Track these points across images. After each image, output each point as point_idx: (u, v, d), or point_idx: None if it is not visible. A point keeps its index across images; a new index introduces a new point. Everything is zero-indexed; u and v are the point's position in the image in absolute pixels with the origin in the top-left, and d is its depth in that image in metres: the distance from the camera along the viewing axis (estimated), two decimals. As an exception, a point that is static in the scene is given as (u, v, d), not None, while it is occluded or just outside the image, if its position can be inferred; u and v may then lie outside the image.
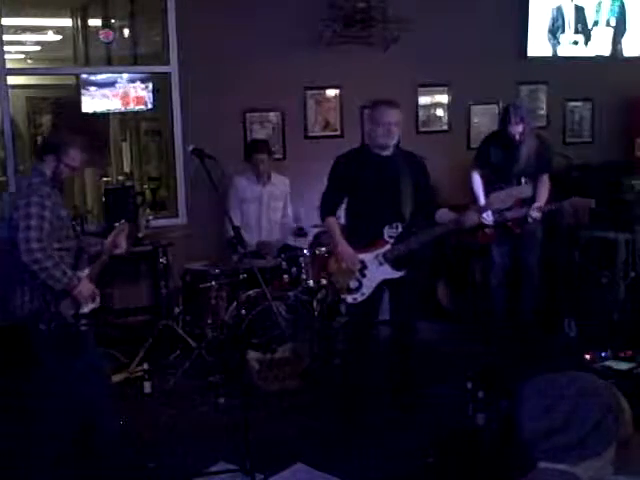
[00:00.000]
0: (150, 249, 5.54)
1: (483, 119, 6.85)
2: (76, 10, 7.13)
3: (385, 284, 4.18)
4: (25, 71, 7.43)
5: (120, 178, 7.29)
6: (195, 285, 5.19)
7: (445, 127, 6.87)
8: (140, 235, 5.16)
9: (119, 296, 5.83)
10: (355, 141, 6.08)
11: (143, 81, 6.03)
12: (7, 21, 5.95)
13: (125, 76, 6.01)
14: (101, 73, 6.07)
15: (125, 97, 6.00)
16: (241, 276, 4.90)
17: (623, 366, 4.06)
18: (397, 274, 4.12)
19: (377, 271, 4.10)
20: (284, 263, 5.14)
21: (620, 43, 7.35)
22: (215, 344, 5.03)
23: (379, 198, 4.05)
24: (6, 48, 5.72)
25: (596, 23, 7.24)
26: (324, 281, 5.08)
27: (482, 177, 5.40)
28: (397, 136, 4.06)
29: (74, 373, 3.37)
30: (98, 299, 3.50)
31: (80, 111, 5.94)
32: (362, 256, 4.09)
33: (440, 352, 5.29)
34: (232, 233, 3.81)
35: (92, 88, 5.92)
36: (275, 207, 5.67)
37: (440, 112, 6.86)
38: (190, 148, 3.71)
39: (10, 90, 5.75)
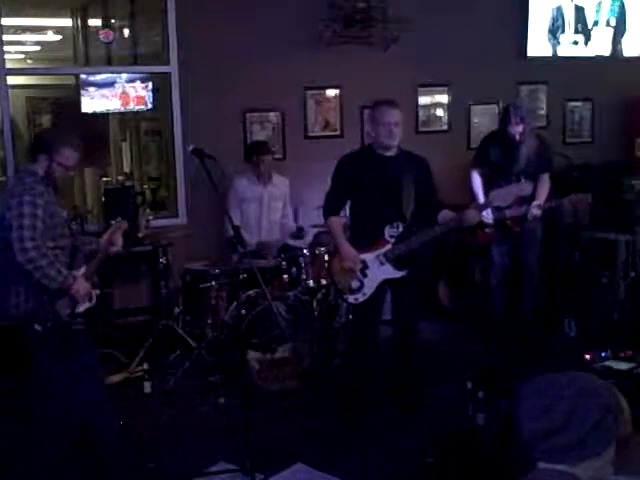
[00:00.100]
0: (150, 249, 5.55)
1: (483, 119, 6.85)
2: (76, 10, 7.13)
3: (387, 284, 4.18)
4: (25, 71, 7.43)
5: (120, 178, 7.28)
6: (195, 285, 5.18)
7: (445, 127, 6.87)
8: (140, 235, 5.15)
9: (119, 296, 5.83)
10: (355, 141, 6.12)
11: (143, 81, 6.03)
12: (7, 21, 5.95)
13: (125, 76, 6.01)
14: (101, 73, 6.07)
15: (125, 97, 6.00)
16: (241, 276, 4.90)
17: (623, 366, 4.06)
18: (398, 274, 4.12)
19: (378, 271, 4.10)
20: (284, 263, 5.14)
21: (620, 43, 7.35)
22: (215, 344, 5.03)
23: (381, 198, 4.05)
24: (6, 48, 5.72)
25: (596, 23, 7.24)
26: (324, 281, 5.09)
27: (482, 176, 5.41)
28: (399, 136, 4.06)
29: (69, 373, 3.36)
30: (94, 298, 3.49)
31: (80, 111, 5.95)
32: (363, 256, 4.09)
33: (440, 352, 5.28)
34: (232, 233, 3.81)
35: (92, 88, 5.92)
36: (275, 207, 5.68)
37: (440, 112, 6.87)
38: (190, 148, 3.71)
39: (10, 90, 5.76)
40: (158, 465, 3.70)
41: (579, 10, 7.14)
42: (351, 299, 4.17)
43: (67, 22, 7.29)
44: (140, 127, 7.28)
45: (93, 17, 7.03)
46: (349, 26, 6.16)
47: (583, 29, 7.19)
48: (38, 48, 8.10)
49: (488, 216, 5.15)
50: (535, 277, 5.45)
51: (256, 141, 5.91)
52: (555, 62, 7.06)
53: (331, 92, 6.42)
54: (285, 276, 5.11)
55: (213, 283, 5.06)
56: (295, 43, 6.10)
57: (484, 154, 5.41)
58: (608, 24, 7.29)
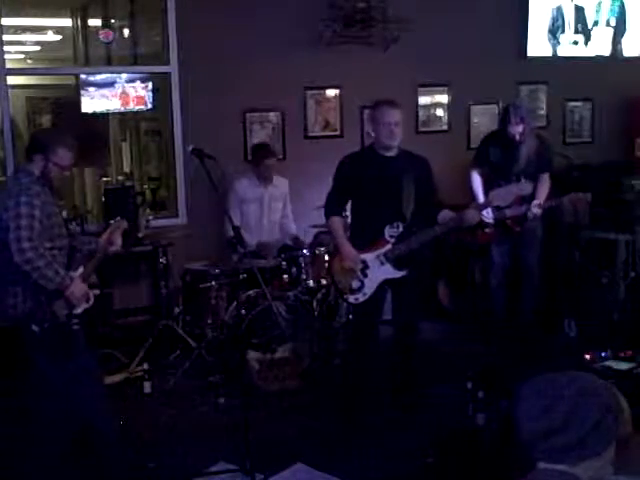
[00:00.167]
0: (150, 249, 5.55)
1: (483, 119, 6.85)
2: (76, 10, 7.13)
3: (387, 284, 4.18)
4: (25, 71, 7.43)
5: (120, 178, 7.28)
6: (195, 285, 5.19)
7: (445, 127, 6.87)
8: (140, 235, 5.16)
9: (119, 296, 5.83)
10: (355, 141, 6.13)
11: (143, 81, 6.03)
12: (7, 21, 5.95)
13: (125, 76, 6.01)
14: (101, 73, 6.07)
15: (125, 97, 5.99)
16: (241, 276, 4.90)
17: (623, 366, 4.06)
18: (399, 274, 4.12)
19: (379, 271, 4.10)
20: (284, 263, 5.14)
21: (620, 43, 7.35)
22: (215, 344, 5.03)
23: (381, 198, 4.06)
24: (6, 48, 5.72)
25: (596, 23, 7.24)
26: (324, 281, 5.09)
27: (482, 176, 5.41)
28: (399, 136, 4.06)
29: (67, 374, 3.35)
30: (92, 299, 3.48)
31: (80, 111, 5.95)
32: (364, 256, 4.09)
33: (440, 352, 5.28)
34: (232, 233, 3.81)
35: (92, 88, 5.92)
36: (275, 208, 5.68)
37: (440, 112, 6.87)
38: (190, 148, 3.71)
39: (10, 90, 5.76)
40: (158, 465, 3.70)
41: (579, 10, 7.14)
42: (351, 299, 4.18)
43: (67, 22, 7.29)
44: (140, 127, 7.28)
45: (93, 17, 7.03)
46: (349, 26, 6.16)
47: (583, 29, 7.19)
48: (38, 48, 8.10)
49: (488, 216, 5.15)
50: (535, 277, 5.45)
51: (260, 144, 5.84)
52: (555, 62, 7.07)
53: (331, 92, 6.42)
54: (285, 276, 5.11)
55: (213, 283, 5.06)
56: (295, 43, 6.10)
57: (484, 154, 5.41)
58: (608, 24, 7.30)
